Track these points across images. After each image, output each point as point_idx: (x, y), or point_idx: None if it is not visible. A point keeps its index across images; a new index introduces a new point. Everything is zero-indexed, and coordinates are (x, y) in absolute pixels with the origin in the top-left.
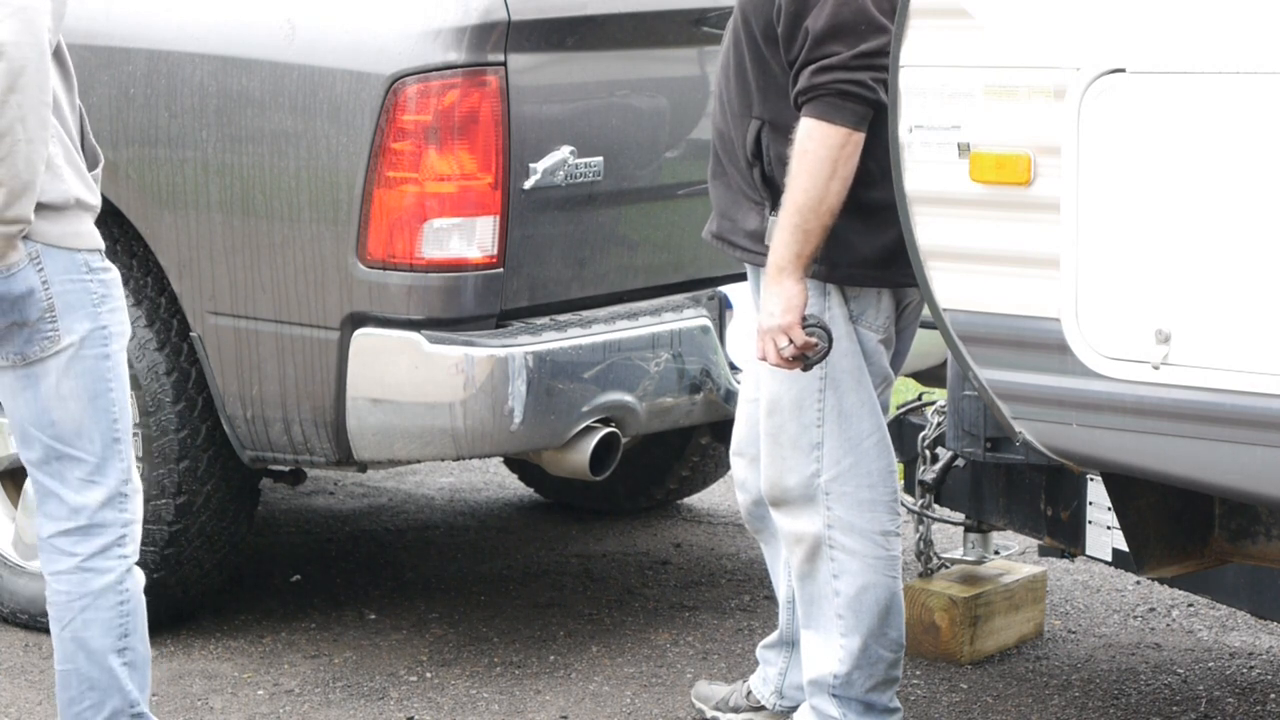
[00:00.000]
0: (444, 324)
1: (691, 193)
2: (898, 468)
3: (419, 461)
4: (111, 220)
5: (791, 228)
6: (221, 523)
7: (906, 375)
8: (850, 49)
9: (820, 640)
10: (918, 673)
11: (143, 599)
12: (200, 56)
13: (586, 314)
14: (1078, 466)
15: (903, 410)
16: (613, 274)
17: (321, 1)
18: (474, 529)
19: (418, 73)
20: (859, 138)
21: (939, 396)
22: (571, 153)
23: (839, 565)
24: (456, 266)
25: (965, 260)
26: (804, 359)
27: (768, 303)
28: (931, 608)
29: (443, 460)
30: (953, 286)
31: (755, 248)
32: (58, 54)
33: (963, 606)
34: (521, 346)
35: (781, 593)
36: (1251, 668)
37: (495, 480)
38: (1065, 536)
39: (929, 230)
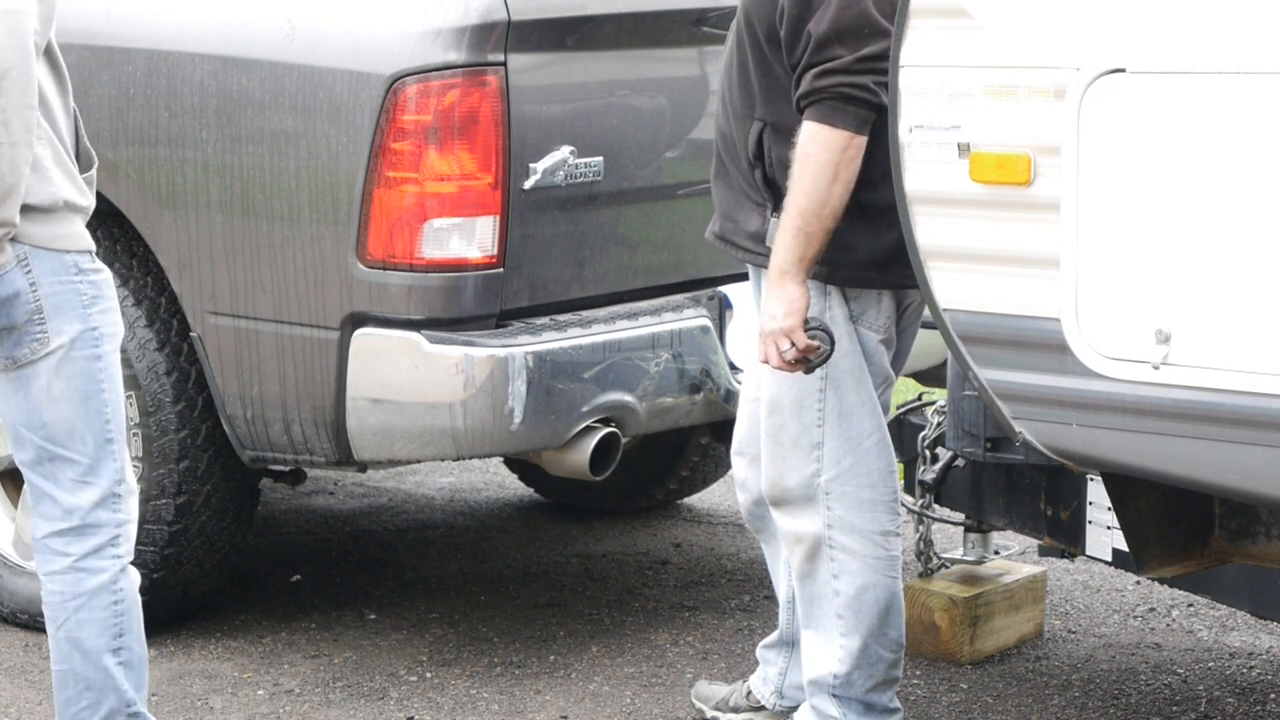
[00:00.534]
0: (444, 324)
1: (691, 193)
2: (898, 468)
3: (419, 461)
4: (111, 220)
5: (794, 231)
6: (221, 523)
7: (906, 375)
8: (853, 52)
9: (820, 640)
10: (918, 673)
11: (138, 599)
12: (200, 56)
13: (586, 314)
14: (1078, 466)
15: (903, 410)
16: (613, 274)
17: (321, 1)
18: (474, 529)
19: (418, 73)
20: (861, 141)
21: (939, 396)
22: (571, 153)
23: (839, 565)
24: (456, 266)
25: (965, 260)
26: (806, 362)
27: (770, 306)
28: (931, 608)
29: (443, 460)
30: (953, 286)
31: (757, 249)
32: (49, 55)
33: (963, 606)
34: (521, 346)
35: (782, 593)
36: (1251, 668)
37: (495, 480)
38: (1065, 536)
39: (929, 230)
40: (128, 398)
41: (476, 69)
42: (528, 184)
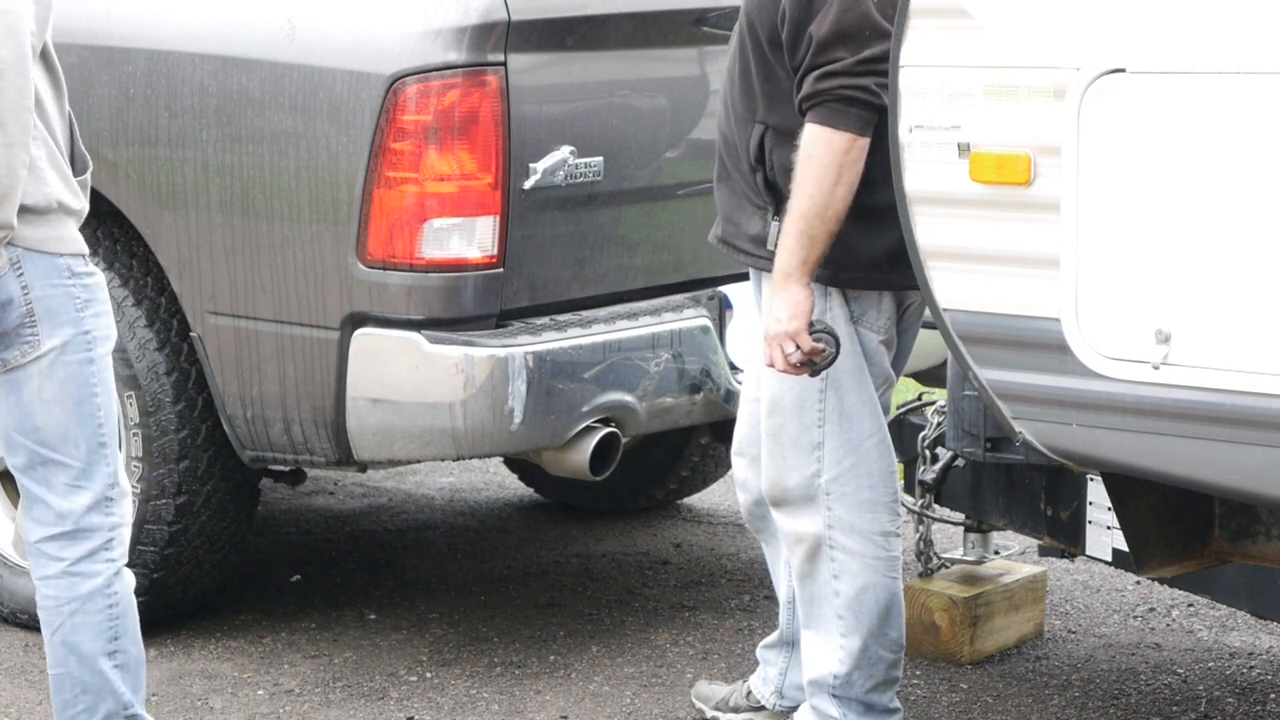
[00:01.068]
0: (444, 324)
1: (691, 193)
2: (898, 468)
3: (419, 461)
4: (111, 220)
5: (797, 234)
6: (221, 523)
7: (907, 375)
8: (854, 54)
9: (820, 640)
10: (918, 673)
11: (133, 601)
12: (200, 56)
13: (586, 314)
14: (1078, 466)
15: (903, 410)
16: (613, 274)
17: (321, 1)
18: (474, 529)
19: (418, 73)
20: (863, 143)
21: (939, 396)
22: (571, 153)
23: (839, 565)
24: (456, 266)
25: (965, 260)
26: (811, 364)
27: (774, 309)
28: (931, 608)
29: (443, 460)
30: (953, 286)
31: (758, 252)
32: (45, 57)
33: (963, 606)
34: (521, 346)
35: (782, 593)
36: (1251, 668)
37: (495, 480)
38: (1065, 536)
39: (929, 230)
40: (128, 398)
41: (476, 69)
42: (528, 184)
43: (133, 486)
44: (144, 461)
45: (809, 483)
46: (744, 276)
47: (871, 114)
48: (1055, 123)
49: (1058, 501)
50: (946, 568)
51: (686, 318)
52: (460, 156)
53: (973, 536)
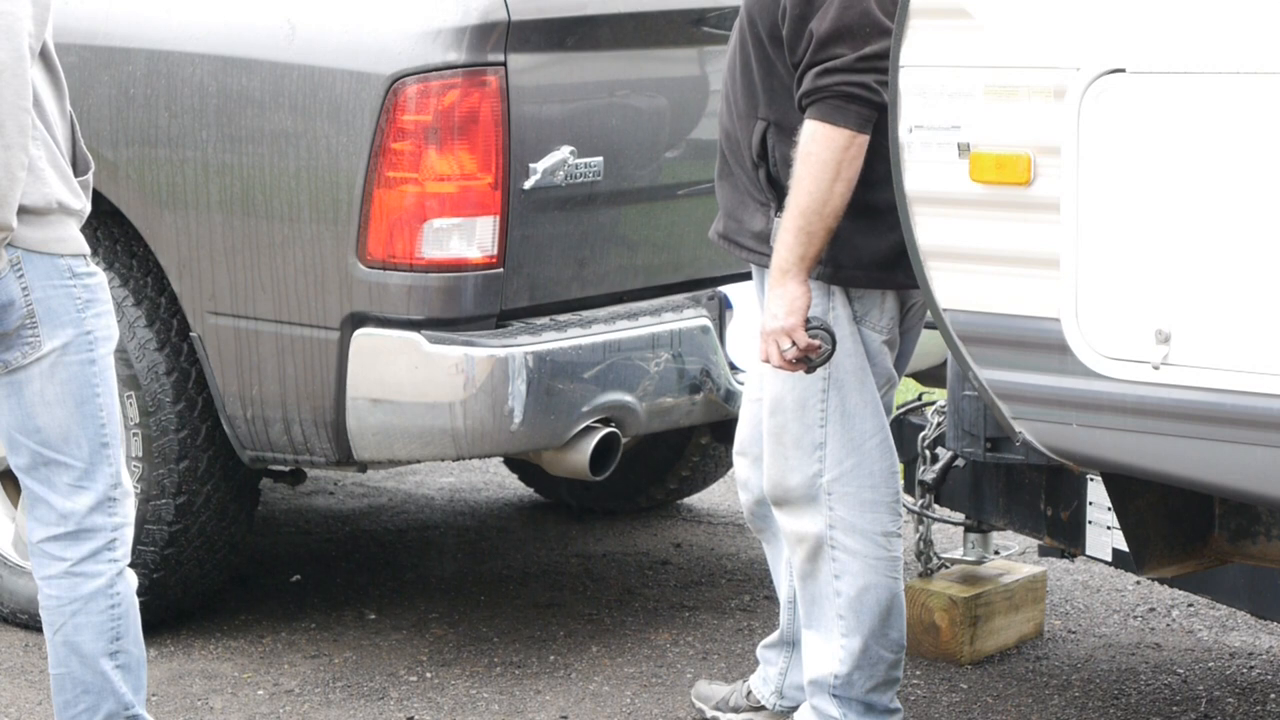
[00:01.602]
0: (444, 324)
1: (691, 193)
2: (899, 468)
3: (419, 461)
4: (111, 220)
5: (795, 230)
6: (221, 523)
7: (907, 375)
8: (855, 51)
9: (821, 640)
10: (918, 673)
11: (135, 601)
12: (200, 56)
13: (586, 314)
14: (1078, 466)
15: (903, 410)
16: (613, 274)
17: (321, 1)
18: (474, 529)
19: (418, 73)
20: (863, 140)
21: (939, 396)
22: (571, 153)
23: (840, 565)
24: (456, 266)
25: (965, 260)
26: (807, 361)
27: (771, 305)
28: (931, 608)
29: (443, 460)
30: (953, 286)
31: (760, 248)
32: (45, 58)
33: (963, 606)
34: (521, 346)
35: (783, 592)
36: (1251, 668)
37: (495, 480)
38: (1065, 536)
39: (929, 230)
40: (128, 398)
41: (476, 69)
42: (528, 184)
43: (133, 486)
44: (144, 461)
45: (811, 482)
46: (744, 276)
47: (871, 111)
48: (1055, 123)
49: (1058, 501)
50: (946, 568)
51: (686, 318)
52: (460, 156)
53: (973, 536)
